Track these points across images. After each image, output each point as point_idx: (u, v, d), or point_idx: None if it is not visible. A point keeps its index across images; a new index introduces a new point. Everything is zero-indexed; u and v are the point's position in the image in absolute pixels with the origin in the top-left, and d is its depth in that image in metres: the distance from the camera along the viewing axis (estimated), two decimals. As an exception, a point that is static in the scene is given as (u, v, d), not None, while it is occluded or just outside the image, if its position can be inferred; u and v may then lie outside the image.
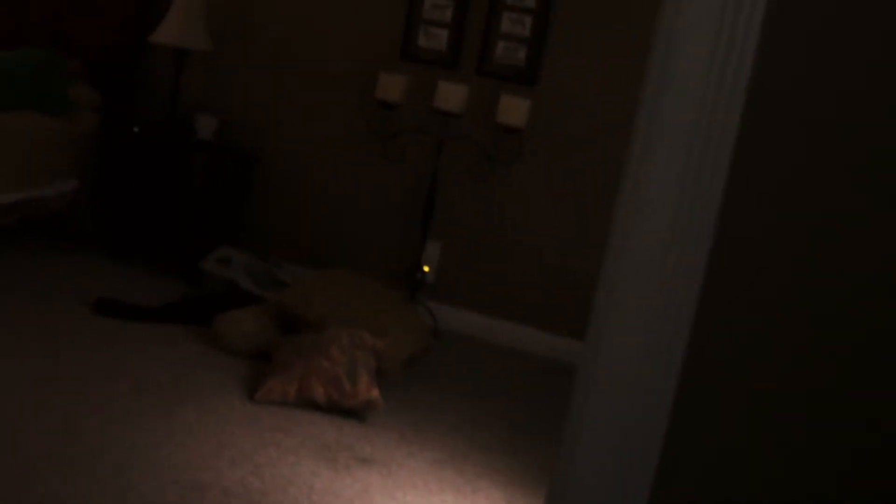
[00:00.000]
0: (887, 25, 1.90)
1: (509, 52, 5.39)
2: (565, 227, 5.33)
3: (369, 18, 5.62)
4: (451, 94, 5.26)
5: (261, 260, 5.53)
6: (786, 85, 1.97)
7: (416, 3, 5.52)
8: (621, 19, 5.18)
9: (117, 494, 3.30)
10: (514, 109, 5.18)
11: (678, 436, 2.03)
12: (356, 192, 5.69)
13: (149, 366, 4.37)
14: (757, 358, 2.00)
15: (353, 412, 4.20)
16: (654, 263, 1.95)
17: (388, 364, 4.43)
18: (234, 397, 4.20)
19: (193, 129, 5.72)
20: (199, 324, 4.91)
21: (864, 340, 1.94)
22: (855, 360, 1.95)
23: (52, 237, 5.79)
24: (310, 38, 5.71)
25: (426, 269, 5.51)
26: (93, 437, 3.65)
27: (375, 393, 4.18)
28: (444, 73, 5.44)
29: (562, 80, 5.31)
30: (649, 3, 5.17)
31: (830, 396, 1.97)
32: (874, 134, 1.92)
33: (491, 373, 5.08)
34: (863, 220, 1.93)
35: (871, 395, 1.94)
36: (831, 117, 1.95)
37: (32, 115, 5.37)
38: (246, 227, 5.86)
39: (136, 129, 5.64)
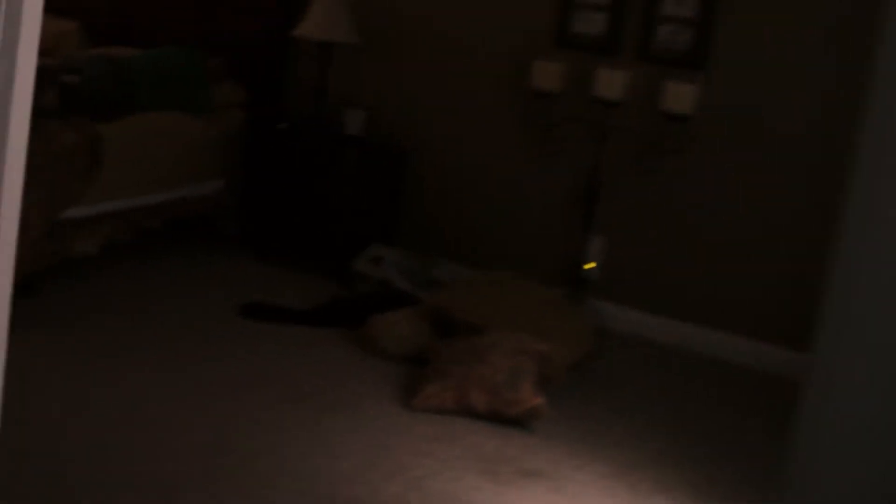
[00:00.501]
0: None
1: (673, 35, 5.03)
2: (742, 223, 4.94)
3: (522, 4, 5.33)
4: (612, 81, 4.94)
5: (415, 258, 5.30)
6: None
7: (573, -14, 5.22)
8: (798, -6, 4.78)
9: (268, 511, 3.11)
10: (679, 96, 4.83)
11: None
12: (513, 185, 5.41)
13: (298, 372, 4.18)
14: None
15: (515, 421, 3.92)
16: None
17: (552, 369, 4.14)
18: (388, 405, 3.97)
19: (341, 123, 5.52)
20: (351, 327, 4.69)
21: None
22: None
23: (197, 238, 5.67)
24: (460, 27, 5.45)
25: (590, 265, 5.19)
26: (240, 448, 3.46)
27: (539, 401, 3.89)
28: (602, 59, 5.11)
29: (732, 64, 4.92)
30: (829, -25, 4.75)
31: None
32: None
33: (662, 377, 4.73)
34: None
35: None
36: None
37: (177, 115, 5.25)
38: (398, 225, 5.64)
39: (282, 126, 5.47)
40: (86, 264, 4.78)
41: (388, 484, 3.35)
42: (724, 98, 4.93)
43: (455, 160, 5.52)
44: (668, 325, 5.11)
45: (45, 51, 6.17)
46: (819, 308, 1.81)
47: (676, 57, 5.02)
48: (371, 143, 5.53)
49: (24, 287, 4.39)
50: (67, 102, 4.56)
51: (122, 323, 4.41)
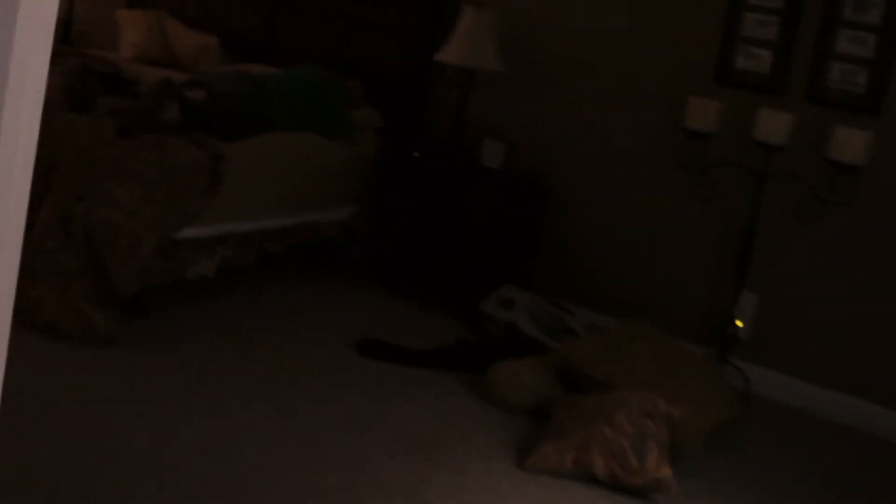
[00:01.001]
0: None
1: (846, 76, 4.56)
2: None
3: (679, 36, 4.94)
4: (775, 124, 4.49)
5: (548, 303, 4.94)
6: None
7: (736, 19, 4.79)
8: None
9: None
10: (850, 143, 4.36)
11: None
12: (659, 231, 5.00)
13: (411, 416, 3.87)
14: None
15: (638, 492, 3.51)
16: None
17: (685, 436, 3.72)
18: (500, 461, 3.61)
19: (478, 155, 5.22)
20: (472, 372, 4.36)
21: None
22: None
23: (322, 265, 5.43)
24: (610, 58, 5.09)
25: (739, 323, 4.71)
26: (340, 496, 3.15)
27: (666, 472, 3.47)
28: (766, 98, 4.66)
29: (912, 108, 4.44)
30: None
31: None
32: None
33: (810, 454, 4.23)
34: None
35: None
36: None
37: (312, 136, 5.03)
38: (533, 266, 5.29)
39: (417, 154, 5.20)
40: (201, 286, 4.57)
41: (488, 554, 3.00)
42: (901, 147, 4.44)
43: (597, 199, 5.15)
44: (822, 394, 4.61)
45: (184, 65, 6.11)
46: None
47: (849, 100, 4.56)
48: (509, 176, 5.20)
49: (133, 305, 4.24)
50: (192, 118, 4.38)
51: (231, 351, 4.18)
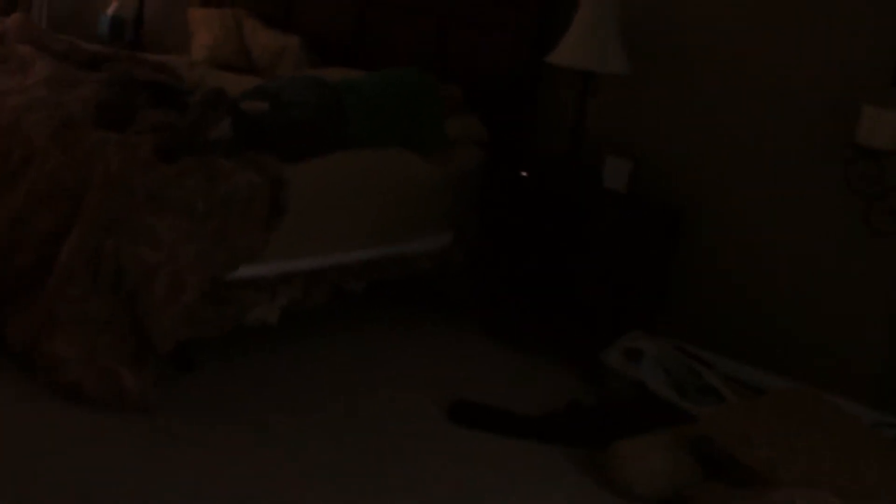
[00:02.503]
0: None
1: None
2: None
3: (845, 33, 4.00)
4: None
5: (684, 354, 4.07)
6: None
7: (922, 8, 3.86)
8: None
9: None
10: None
11: None
12: (821, 267, 4.08)
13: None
14: None
15: None
16: None
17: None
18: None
19: (600, 174, 4.36)
20: (589, 447, 3.53)
21: None
22: None
23: (411, 305, 4.63)
24: (760, 58, 4.17)
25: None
26: None
27: None
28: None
29: None
30: None
31: None
32: None
33: None
34: None
35: None
36: None
37: (398, 152, 4.24)
38: (667, 308, 4.41)
39: (524, 173, 4.37)
40: (262, 334, 3.82)
41: None
42: None
43: (744, 228, 4.23)
44: None
45: (260, 69, 5.38)
46: None
47: None
48: (636, 201, 4.33)
49: (176, 358, 3.52)
50: (248, 135, 3.61)
51: (291, 415, 3.43)
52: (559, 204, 4.31)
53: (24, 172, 3.54)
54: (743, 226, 4.23)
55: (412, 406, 3.65)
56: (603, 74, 4.27)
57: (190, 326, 3.40)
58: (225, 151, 3.48)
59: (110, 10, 6.00)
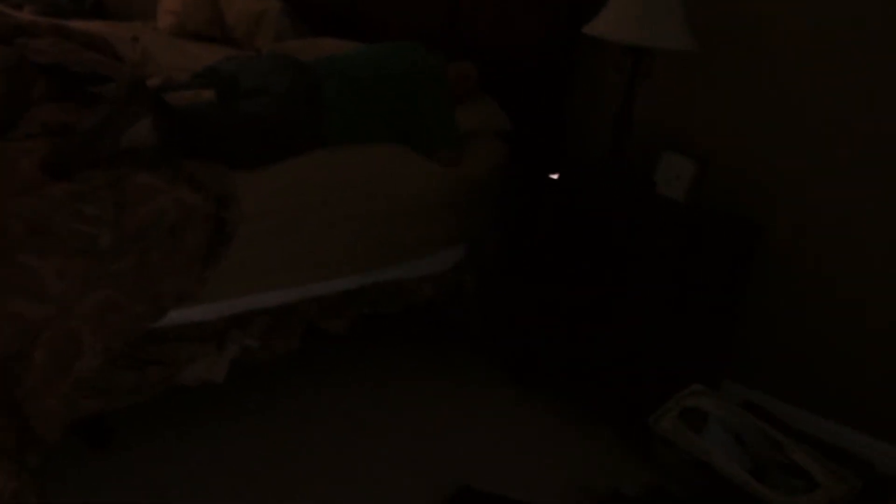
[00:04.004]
0: None
1: None
2: None
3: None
4: None
5: (759, 417, 3.14)
6: None
7: None
8: None
9: None
10: None
11: None
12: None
13: None
14: None
15: None
16: None
17: None
18: None
19: (651, 178, 3.40)
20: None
21: None
22: None
23: (410, 338, 3.69)
24: (861, 31, 3.19)
25: None
26: None
27: None
28: None
29: None
30: None
31: None
32: None
33: None
34: None
35: None
36: None
37: (394, 150, 3.30)
38: (738, 351, 3.47)
39: (554, 176, 3.41)
40: (208, 396, 2.93)
41: None
42: None
43: (837, 249, 3.27)
44: None
45: (237, 38, 4.45)
46: None
47: None
48: (700, 212, 3.36)
49: (91, 431, 2.64)
50: (189, 138, 2.68)
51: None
52: (600, 214, 3.35)
53: None
54: (837, 244, 3.26)
55: (403, 496, 2.75)
56: (659, 51, 3.30)
57: (96, 401, 2.50)
58: (148, 162, 2.56)
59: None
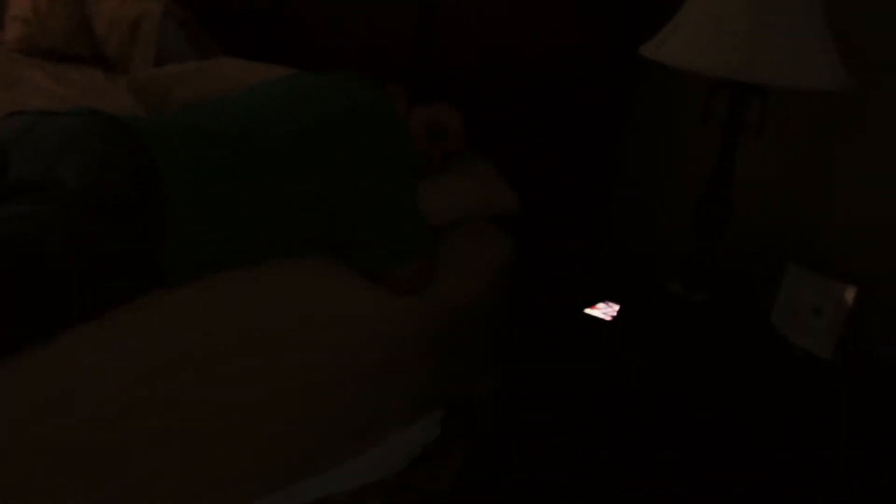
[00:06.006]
0: None
1: None
2: None
3: None
4: None
5: None
6: None
7: None
8: None
9: None
10: None
11: None
12: None
13: None
14: None
15: None
16: None
17: None
18: None
19: (766, 313, 1.91)
20: None
21: None
22: None
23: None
24: None
25: None
26: None
27: None
28: None
29: None
30: None
31: None
32: None
33: None
34: None
35: None
36: None
37: (308, 267, 1.86)
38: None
39: (593, 311, 1.93)
40: None
41: None
42: None
43: None
44: None
45: (109, 56, 2.91)
46: None
47: None
48: (854, 371, 1.85)
49: None
50: None
51: None
52: (675, 367, 1.89)
53: None
54: None
55: None
56: (781, 90, 1.82)
57: None
58: None
59: None
